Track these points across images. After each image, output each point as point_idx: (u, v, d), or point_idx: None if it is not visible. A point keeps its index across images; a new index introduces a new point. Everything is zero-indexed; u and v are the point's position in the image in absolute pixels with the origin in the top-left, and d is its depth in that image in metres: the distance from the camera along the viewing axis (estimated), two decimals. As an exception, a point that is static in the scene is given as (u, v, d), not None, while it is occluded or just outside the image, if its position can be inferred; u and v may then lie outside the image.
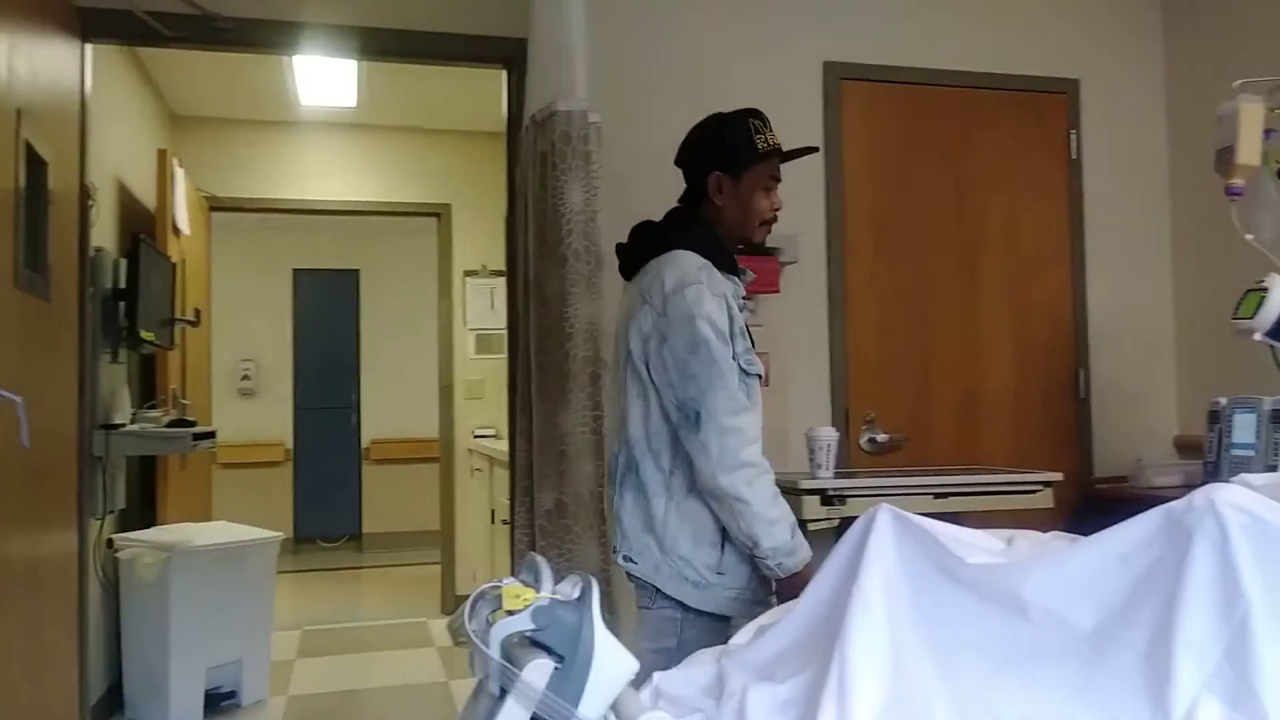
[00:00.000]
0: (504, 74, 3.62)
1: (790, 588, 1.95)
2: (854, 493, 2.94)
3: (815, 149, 2.36)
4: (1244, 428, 2.71)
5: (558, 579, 1.25)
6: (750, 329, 2.21)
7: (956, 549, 1.33)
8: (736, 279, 2.19)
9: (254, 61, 4.92)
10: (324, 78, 5.29)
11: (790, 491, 3.01)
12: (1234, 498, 1.14)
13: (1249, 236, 2.76)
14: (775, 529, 2.01)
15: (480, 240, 6.11)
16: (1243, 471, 2.37)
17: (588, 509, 2.89)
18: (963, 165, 3.92)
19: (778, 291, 3.54)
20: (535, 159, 3.00)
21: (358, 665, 5.01)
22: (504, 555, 4.37)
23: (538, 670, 1.08)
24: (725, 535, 2.10)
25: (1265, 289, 2.65)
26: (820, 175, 3.75)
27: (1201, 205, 3.86)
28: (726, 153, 2.20)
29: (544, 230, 2.97)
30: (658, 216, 3.49)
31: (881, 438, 3.73)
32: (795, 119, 3.72)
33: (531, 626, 1.12)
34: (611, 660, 1.13)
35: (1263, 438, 2.69)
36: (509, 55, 3.51)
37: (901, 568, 1.35)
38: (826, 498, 2.93)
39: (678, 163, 2.33)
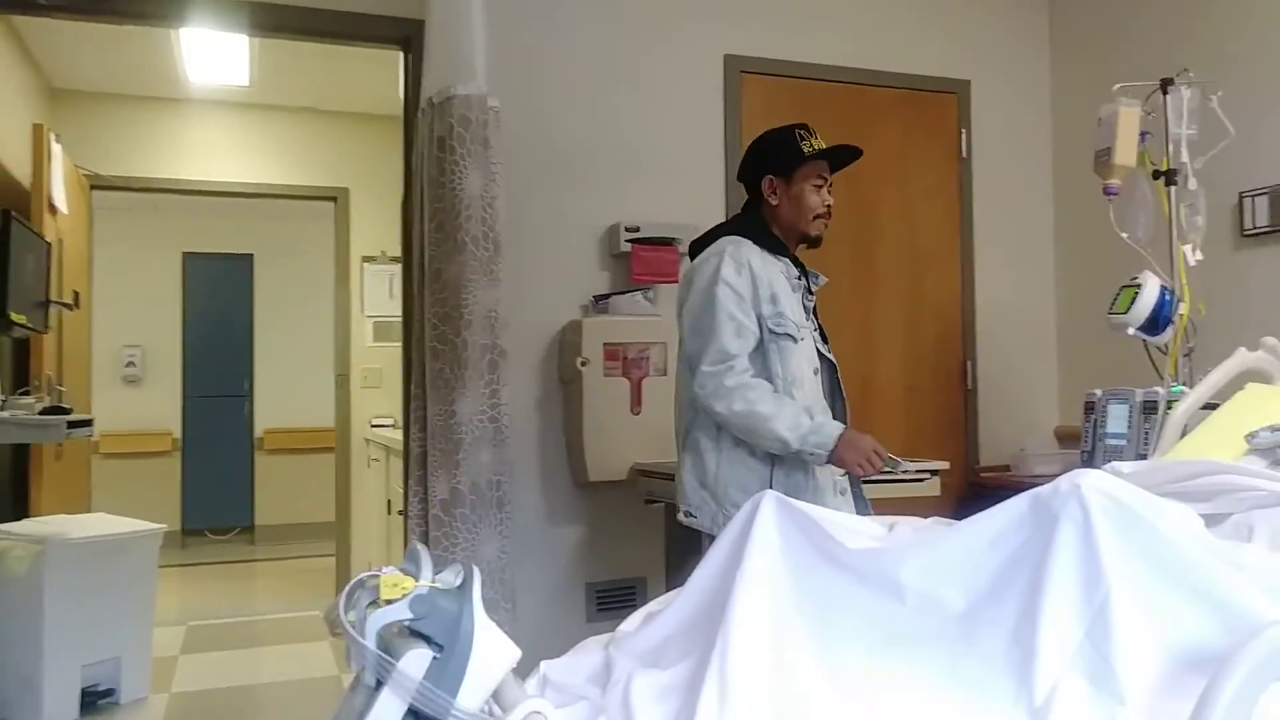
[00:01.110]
0: (401, 55, 3.54)
1: (844, 459, 2.22)
2: (749, 481, 2.97)
3: (858, 150, 2.55)
4: (1117, 418, 2.84)
5: (441, 568, 1.22)
6: (774, 288, 2.35)
7: (838, 534, 1.36)
8: (788, 260, 2.43)
9: (140, 34, 4.70)
10: (215, 54, 5.09)
11: (686, 480, 3.04)
12: (1098, 482, 1.18)
13: (1124, 235, 2.88)
14: (786, 419, 2.21)
15: (379, 226, 5.98)
16: (1116, 459, 2.49)
17: (485, 498, 2.87)
18: (858, 161, 3.99)
19: (677, 281, 3.55)
20: (432, 143, 2.95)
21: (247, 660, 4.86)
22: (399, 547, 4.30)
23: (414, 660, 1.06)
24: (773, 478, 2.30)
25: (1139, 285, 2.78)
26: (720, 166, 3.77)
27: (1082, 204, 4.01)
28: (776, 158, 2.44)
29: (441, 216, 2.92)
30: (557, 204, 3.50)
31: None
32: (696, 110, 3.75)
33: (409, 616, 1.10)
34: (492, 649, 1.12)
35: (1134, 427, 2.81)
36: (406, 36, 3.43)
37: (785, 553, 1.37)
38: (722, 486, 2.96)
39: (739, 177, 2.56)
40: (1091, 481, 1.18)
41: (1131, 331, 2.78)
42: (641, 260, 3.49)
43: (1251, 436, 2.06)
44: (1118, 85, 2.87)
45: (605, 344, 3.33)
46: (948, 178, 4.14)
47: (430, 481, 2.92)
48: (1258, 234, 3.36)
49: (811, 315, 2.50)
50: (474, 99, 2.89)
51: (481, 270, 2.86)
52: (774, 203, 2.43)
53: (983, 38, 4.21)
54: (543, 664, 1.46)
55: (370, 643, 1.09)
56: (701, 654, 1.25)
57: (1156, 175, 2.87)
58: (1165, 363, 2.82)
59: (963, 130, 4.15)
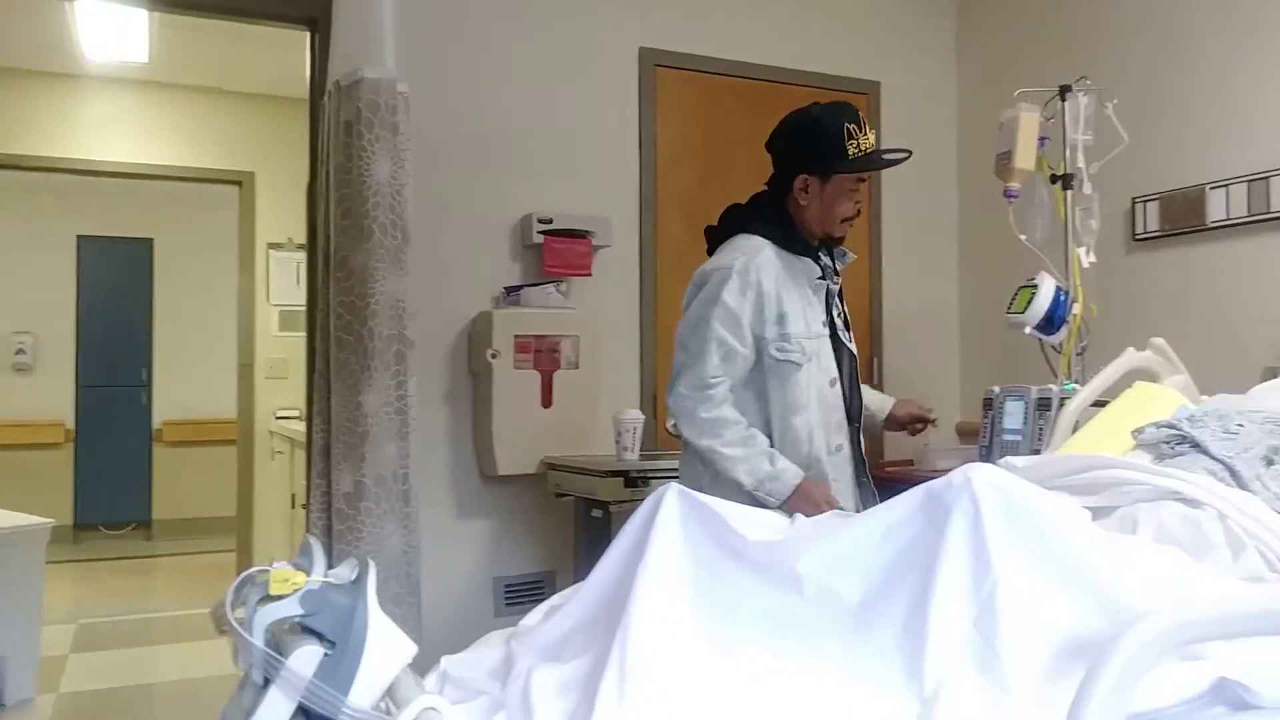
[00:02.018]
0: (307, 36, 3.44)
1: (795, 508, 2.05)
2: (656, 473, 2.99)
3: (908, 153, 2.36)
4: (1014, 414, 2.92)
5: (338, 562, 1.20)
6: (783, 305, 2.21)
7: (740, 526, 1.37)
8: (813, 260, 2.26)
9: (33, 6, 4.50)
10: (111, 28, 4.89)
11: (593, 473, 3.04)
12: (989, 476, 1.21)
13: (1022, 236, 2.97)
14: (747, 465, 2.14)
15: (286, 212, 5.82)
16: (1012, 454, 2.56)
17: (390, 491, 2.82)
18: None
19: (589, 274, 3.55)
20: (339, 127, 2.88)
21: (139, 659, 4.70)
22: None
23: (304, 657, 1.03)
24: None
25: (1035, 286, 2.87)
26: (634, 160, 3.77)
27: (984, 206, 4.12)
28: (817, 156, 2.20)
29: (348, 203, 2.86)
30: (468, 194, 3.45)
31: (689, 421, 3.81)
32: (610, 102, 3.74)
33: (300, 611, 1.07)
34: (386, 645, 1.10)
35: (1029, 423, 2.90)
36: (313, 16, 3.33)
37: (687, 546, 1.38)
38: (630, 479, 2.97)
39: (768, 147, 2.32)
40: (983, 475, 1.21)
41: (1028, 330, 2.87)
42: (554, 252, 3.46)
43: (1138, 433, 2.14)
44: (1018, 91, 2.96)
45: (516, 336, 3.30)
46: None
47: (334, 475, 2.86)
48: (1149, 238, 3.50)
49: (836, 303, 2.35)
50: (383, 83, 2.82)
51: (389, 259, 2.81)
52: (803, 201, 2.24)
53: (893, 40, 4.28)
54: (443, 659, 1.44)
55: (258, 639, 1.06)
56: (602, 647, 1.25)
57: (1054, 179, 2.97)
58: (1060, 361, 2.93)
59: (872, 131, 4.21)
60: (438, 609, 3.17)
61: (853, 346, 2.39)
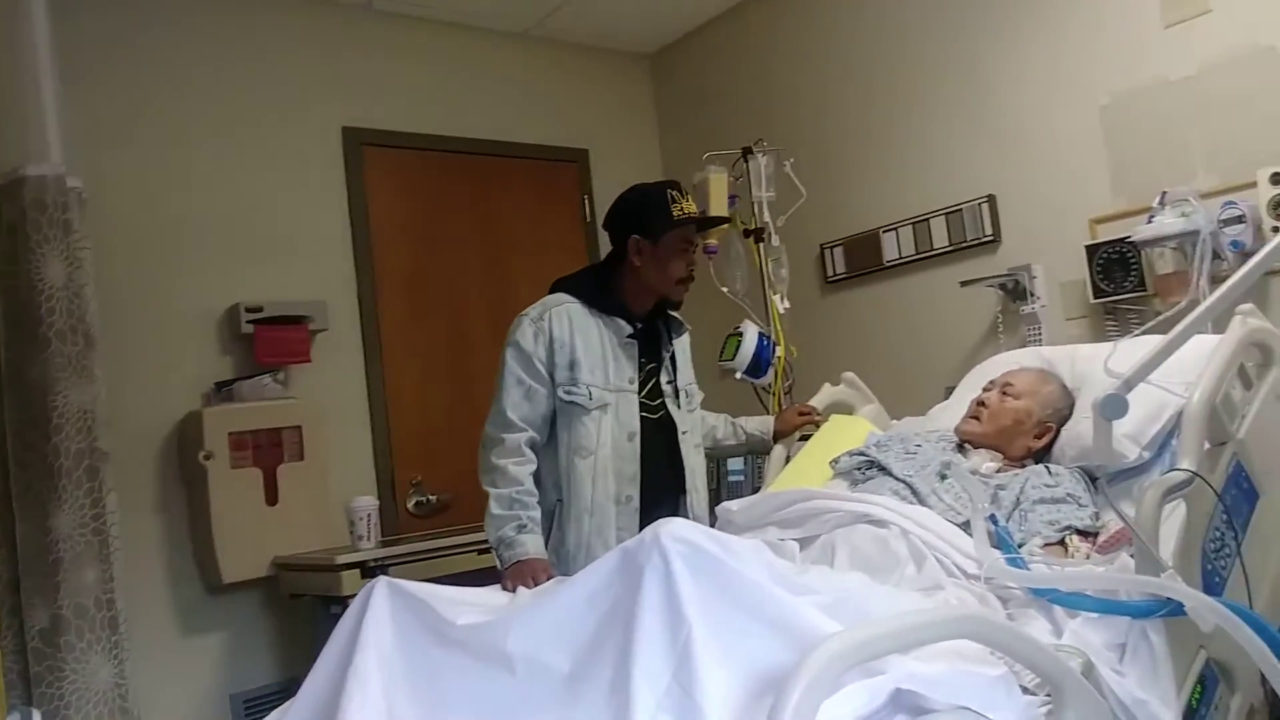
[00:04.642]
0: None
1: (506, 576, 2.16)
2: (395, 561, 2.90)
3: (727, 219, 2.79)
4: (736, 457, 3.08)
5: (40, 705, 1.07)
6: (576, 354, 2.33)
7: (449, 611, 1.35)
8: (620, 320, 2.39)
9: None
10: None
11: (328, 568, 2.91)
12: (676, 530, 1.26)
13: (724, 288, 3.16)
14: (498, 523, 2.24)
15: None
16: (739, 494, 2.69)
17: (93, 620, 2.56)
18: (490, 228, 4.08)
19: (309, 360, 3.42)
20: (2, 231, 2.64)
21: None
22: None
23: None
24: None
25: (741, 333, 3.05)
26: (347, 240, 3.69)
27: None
28: (646, 219, 2.37)
29: (18, 310, 2.61)
30: (163, 289, 3.25)
31: (430, 499, 3.74)
32: (316, 184, 3.65)
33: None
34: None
35: (749, 463, 3.07)
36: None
37: (397, 639, 1.34)
38: (368, 569, 2.86)
39: (605, 226, 2.50)
40: (671, 530, 1.26)
41: (739, 376, 3.04)
42: (267, 341, 3.31)
43: (834, 463, 2.32)
44: (706, 154, 3.16)
45: (231, 433, 3.11)
46: (575, 241, 4.32)
47: (26, 611, 2.56)
48: (838, 280, 3.82)
49: (664, 370, 2.45)
50: (49, 180, 2.61)
51: (71, 367, 2.57)
52: (637, 264, 2.38)
53: (598, 110, 4.45)
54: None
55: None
56: (310, 761, 1.19)
57: (747, 234, 3.18)
58: (770, 400, 3.11)
59: (585, 196, 4.36)
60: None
61: (681, 417, 2.46)
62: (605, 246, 4.24)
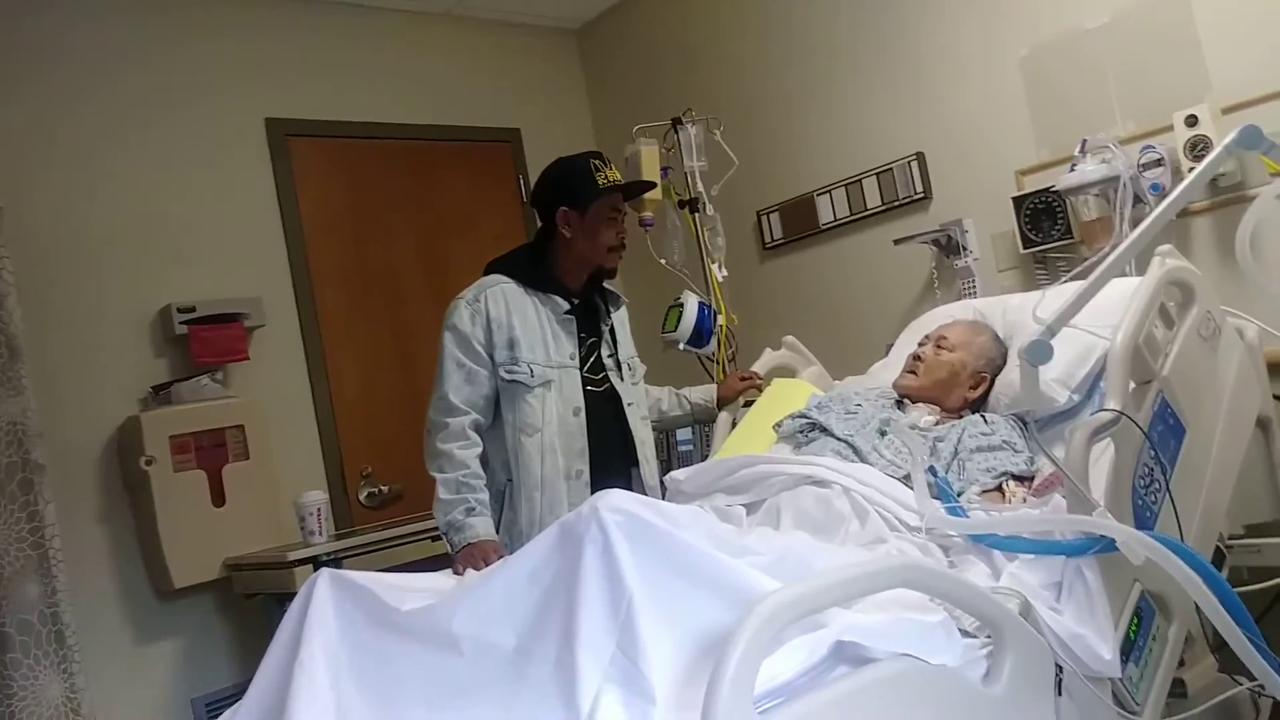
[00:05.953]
0: None
1: (458, 560, 2.16)
2: (348, 553, 2.88)
3: (653, 184, 2.77)
4: (684, 428, 3.10)
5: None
6: (514, 332, 2.32)
7: (393, 599, 1.35)
8: (556, 297, 2.38)
9: None
10: None
11: (279, 565, 2.88)
12: (613, 501, 1.27)
13: (662, 260, 3.17)
14: (446, 507, 2.23)
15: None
16: (688, 464, 2.71)
17: (39, 635, 2.52)
18: (426, 213, 4.03)
19: (246, 358, 3.37)
20: (-85, 243, 2.56)
21: None
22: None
23: None
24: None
25: (682, 304, 3.05)
26: (279, 233, 3.63)
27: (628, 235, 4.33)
28: (571, 190, 2.37)
29: (-62, 324, 2.54)
30: (90, 295, 3.17)
31: (382, 489, 3.72)
32: (242, 178, 3.58)
33: None
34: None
35: (697, 432, 3.08)
36: None
37: (342, 630, 1.34)
38: (320, 564, 2.83)
39: (531, 203, 2.50)
40: (609, 502, 1.26)
41: (682, 346, 3.04)
42: (202, 341, 3.25)
43: (778, 426, 2.34)
44: (636, 127, 3.15)
45: (171, 436, 3.06)
46: (514, 222, 4.29)
47: (-32, 631, 2.51)
48: (775, 246, 3.84)
49: (604, 344, 2.46)
50: (-39, 190, 2.54)
51: (-2, 380, 2.52)
52: (568, 235, 2.38)
53: (527, 87, 4.41)
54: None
55: None
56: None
57: (682, 204, 3.18)
58: (715, 369, 3.13)
59: (519, 175, 4.33)
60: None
61: (625, 390, 2.46)
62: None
